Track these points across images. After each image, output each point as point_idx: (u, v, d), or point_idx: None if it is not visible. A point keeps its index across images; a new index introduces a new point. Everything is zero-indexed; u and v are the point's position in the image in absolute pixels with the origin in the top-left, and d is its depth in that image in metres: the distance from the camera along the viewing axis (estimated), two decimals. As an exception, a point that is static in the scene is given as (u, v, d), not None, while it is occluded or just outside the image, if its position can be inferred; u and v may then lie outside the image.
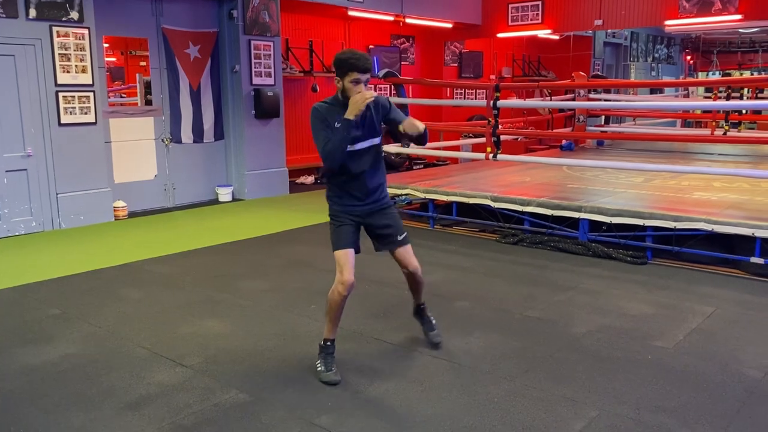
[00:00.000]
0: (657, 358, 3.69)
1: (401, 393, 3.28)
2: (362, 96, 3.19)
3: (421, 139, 3.42)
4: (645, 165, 7.42)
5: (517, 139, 11.36)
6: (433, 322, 3.90)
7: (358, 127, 3.30)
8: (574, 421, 2.99)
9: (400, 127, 3.34)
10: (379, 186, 3.52)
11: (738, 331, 4.09)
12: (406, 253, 3.59)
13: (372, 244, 3.64)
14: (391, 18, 11.57)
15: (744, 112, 11.91)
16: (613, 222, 5.86)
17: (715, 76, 18.93)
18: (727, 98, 10.40)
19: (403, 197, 7.89)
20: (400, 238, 3.55)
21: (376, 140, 3.45)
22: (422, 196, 7.29)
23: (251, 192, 9.31)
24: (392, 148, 8.63)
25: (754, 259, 5.22)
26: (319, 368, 3.44)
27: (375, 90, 3.46)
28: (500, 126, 7.48)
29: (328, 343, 3.47)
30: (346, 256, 3.37)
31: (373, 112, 3.38)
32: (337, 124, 3.23)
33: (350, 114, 3.20)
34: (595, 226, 6.08)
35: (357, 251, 3.48)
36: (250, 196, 9.30)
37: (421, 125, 3.30)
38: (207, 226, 7.61)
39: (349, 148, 3.29)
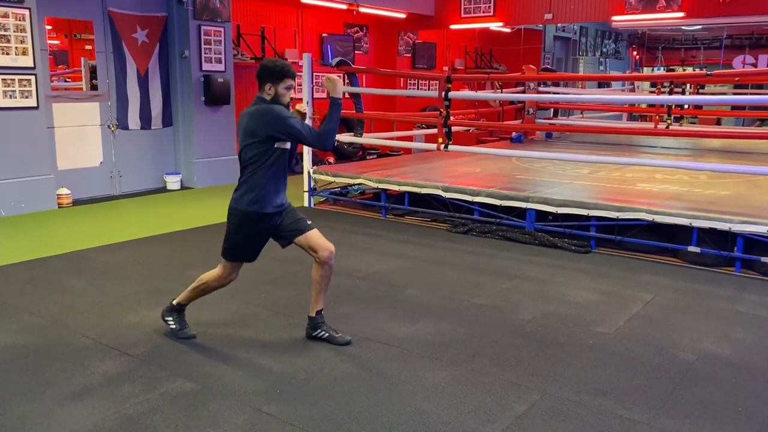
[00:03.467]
0: (598, 343, 3.82)
1: (350, 380, 3.31)
2: (336, 80, 3.55)
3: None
4: (591, 157, 7.63)
5: (468, 130, 11.48)
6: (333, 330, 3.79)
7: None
8: (517, 404, 3.08)
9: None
10: (285, 188, 3.67)
11: (675, 317, 4.27)
12: (317, 236, 3.65)
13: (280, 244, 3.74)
14: (344, 6, 11.51)
15: (686, 106, 12.31)
16: (558, 212, 6.01)
17: (660, 72, 19.52)
18: (670, 93, 10.75)
19: (356, 187, 7.90)
20: (309, 223, 3.65)
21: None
22: (375, 185, 7.32)
23: (200, 180, 9.17)
24: (345, 137, 8.62)
25: (691, 248, 5.43)
26: (173, 326, 3.80)
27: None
28: (452, 117, 7.55)
29: (183, 308, 3.83)
30: (238, 265, 3.68)
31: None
32: (336, 101, 3.53)
33: (338, 93, 3.51)
34: (541, 216, 6.23)
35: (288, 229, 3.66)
36: (200, 184, 9.16)
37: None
38: (155, 214, 7.47)
39: (282, 145, 3.49)
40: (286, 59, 11.15)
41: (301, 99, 7.76)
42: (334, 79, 3.55)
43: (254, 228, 3.53)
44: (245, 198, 3.49)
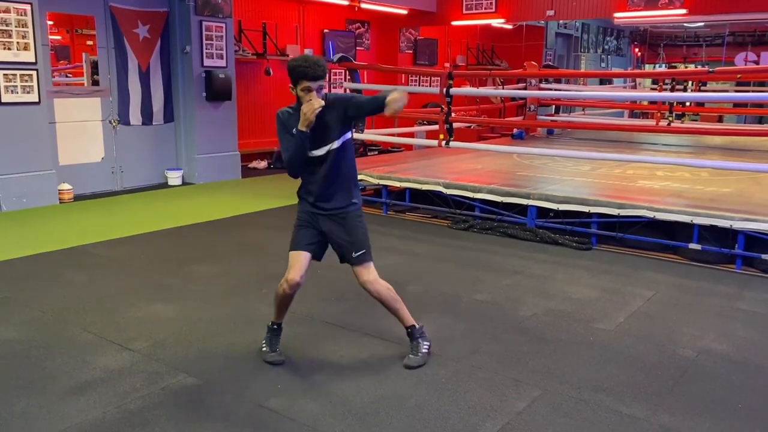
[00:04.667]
0: (598, 339, 3.82)
1: (350, 375, 3.32)
2: (310, 106, 3.06)
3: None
4: (592, 154, 7.62)
5: (469, 126, 11.48)
6: (423, 350, 3.47)
7: (316, 134, 3.19)
8: (517, 400, 3.08)
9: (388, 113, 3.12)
10: (337, 193, 3.33)
11: (675, 313, 4.27)
12: (361, 272, 3.41)
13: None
14: (346, 2, 11.50)
15: (688, 104, 12.30)
16: (560, 209, 6.01)
17: (662, 69, 19.50)
18: (672, 90, 10.74)
19: (357, 183, 7.90)
20: (355, 254, 3.37)
21: (341, 141, 3.26)
22: (376, 182, 7.31)
23: (202, 176, 9.17)
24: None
25: (692, 245, 5.43)
26: (264, 348, 3.49)
27: (329, 74, 3.40)
28: (453, 114, 7.55)
29: (275, 326, 3.51)
30: (297, 257, 3.33)
31: (327, 117, 3.20)
32: (294, 131, 3.15)
33: (301, 125, 3.11)
34: (542, 212, 6.23)
35: (315, 257, 3.41)
36: (201, 180, 9.16)
37: (397, 103, 3.10)
38: (156, 210, 7.48)
39: (314, 153, 3.23)
40: (287, 55, 11.17)
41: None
42: (302, 112, 3.10)
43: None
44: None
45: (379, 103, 3.13)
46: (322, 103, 3.10)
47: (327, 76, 3.24)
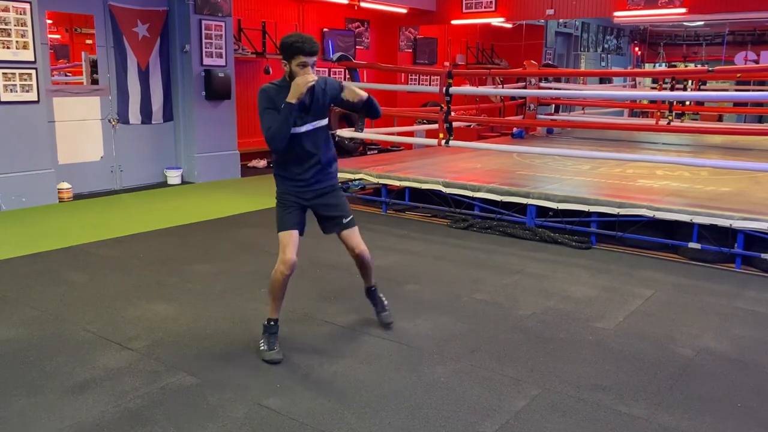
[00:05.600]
0: (598, 338, 3.82)
1: (350, 374, 3.32)
2: (304, 79, 3.21)
3: (370, 110, 3.49)
4: (592, 153, 7.61)
5: (469, 126, 11.47)
6: (385, 303, 3.96)
7: (304, 110, 3.34)
8: (516, 399, 3.08)
9: (342, 95, 3.37)
10: (326, 168, 3.55)
11: (674, 313, 4.27)
12: (353, 235, 3.65)
13: (319, 228, 3.67)
14: (345, 1, 11.50)
15: (688, 103, 12.30)
16: (559, 208, 6.01)
17: (661, 68, 19.49)
18: (672, 89, 10.74)
19: (357, 182, 7.91)
20: (345, 220, 3.61)
21: (323, 122, 3.47)
22: (375, 181, 7.31)
23: (201, 175, 9.16)
24: (346, 132, 8.62)
25: (692, 245, 5.43)
26: (262, 347, 3.49)
27: (329, 74, 3.49)
28: (453, 113, 7.54)
29: (272, 323, 3.52)
30: (289, 237, 3.45)
31: (320, 95, 3.41)
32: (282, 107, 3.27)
33: (292, 97, 3.23)
34: (542, 211, 6.22)
35: (301, 233, 3.54)
36: (200, 179, 9.15)
37: (362, 93, 3.34)
38: (155, 209, 7.47)
39: (295, 129, 3.33)
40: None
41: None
42: (295, 83, 3.23)
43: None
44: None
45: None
46: (316, 77, 3.26)
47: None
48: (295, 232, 3.47)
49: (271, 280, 3.48)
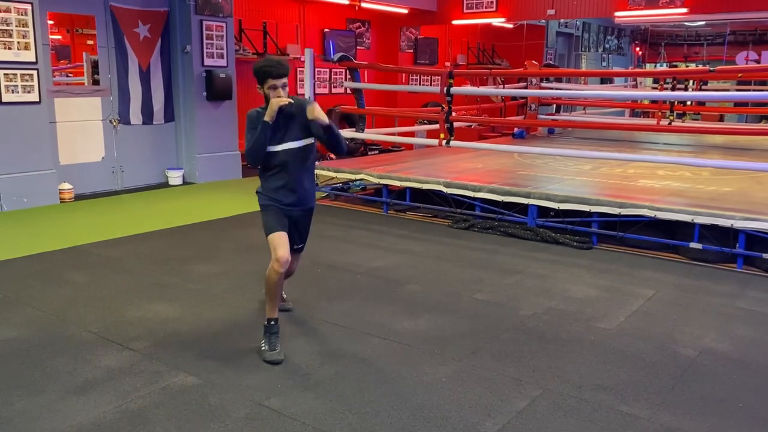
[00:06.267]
0: (599, 338, 3.82)
1: (351, 374, 3.32)
2: (277, 100, 3.40)
3: (331, 140, 3.55)
4: (593, 153, 7.60)
5: (470, 126, 11.47)
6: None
7: (278, 130, 3.48)
8: (518, 399, 3.08)
9: (308, 115, 3.44)
10: (310, 191, 3.70)
11: (676, 313, 4.27)
12: (297, 259, 3.84)
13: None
14: (346, 2, 11.50)
15: (689, 103, 12.29)
16: (560, 208, 6.00)
17: (663, 68, 19.48)
18: (673, 89, 10.73)
19: (358, 182, 7.91)
20: (299, 246, 3.79)
21: (300, 143, 3.55)
22: (376, 181, 7.31)
23: (202, 175, 9.17)
24: (347, 133, 8.62)
25: (693, 245, 5.43)
26: (263, 347, 3.50)
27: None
28: (454, 113, 7.54)
29: (272, 323, 3.55)
30: (279, 237, 3.53)
31: (296, 115, 3.50)
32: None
33: (267, 117, 3.42)
34: (543, 212, 6.22)
35: (288, 234, 3.62)
36: (202, 179, 9.16)
37: (323, 116, 3.41)
38: (157, 209, 7.48)
39: (272, 148, 3.49)
40: (288, 54, 11.18)
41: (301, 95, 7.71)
42: (270, 104, 3.41)
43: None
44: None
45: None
46: (290, 100, 3.44)
47: (289, 74, 3.52)
48: (284, 233, 3.56)
49: (266, 281, 3.54)
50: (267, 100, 3.47)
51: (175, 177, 9.03)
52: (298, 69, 11.51)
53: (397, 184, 7.16)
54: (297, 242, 3.74)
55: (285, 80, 3.46)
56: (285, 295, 4.07)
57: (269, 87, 3.44)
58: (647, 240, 5.70)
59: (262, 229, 3.62)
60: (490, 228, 6.34)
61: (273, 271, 3.49)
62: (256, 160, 3.52)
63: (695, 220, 5.34)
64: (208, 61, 9.05)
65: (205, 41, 8.97)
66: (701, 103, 12.82)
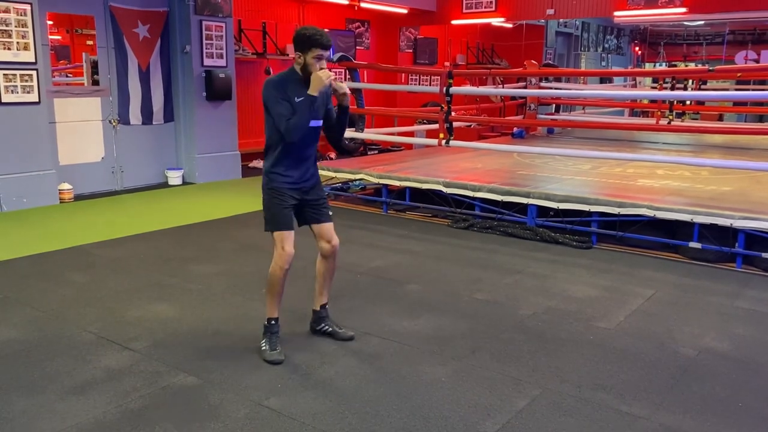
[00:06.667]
0: (599, 338, 3.82)
1: (350, 374, 3.32)
2: (326, 73, 3.25)
3: (342, 123, 3.55)
4: (592, 152, 7.61)
5: (470, 126, 11.47)
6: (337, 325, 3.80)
7: (314, 105, 3.34)
8: (517, 399, 3.08)
9: (338, 88, 3.36)
10: (314, 164, 3.60)
11: (675, 312, 4.27)
12: (331, 227, 3.62)
13: (298, 221, 3.62)
14: (345, 2, 11.50)
15: (688, 102, 12.29)
16: (560, 208, 6.01)
17: (662, 67, 19.48)
18: (672, 89, 10.73)
19: (357, 182, 7.91)
20: (330, 212, 3.63)
21: (320, 123, 3.50)
22: (376, 181, 7.31)
23: (202, 175, 9.17)
24: (346, 133, 8.61)
25: (692, 244, 5.43)
26: (264, 347, 3.47)
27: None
28: (453, 113, 7.54)
29: (273, 322, 3.51)
30: (288, 234, 3.43)
31: (326, 96, 3.45)
32: (297, 99, 3.27)
33: (314, 90, 3.26)
34: (542, 211, 6.22)
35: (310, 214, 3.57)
36: (201, 179, 9.16)
37: (347, 91, 3.40)
38: (156, 209, 7.48)
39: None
40: (287, 54, 11.17)
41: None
42: (317, 76, 3.26)
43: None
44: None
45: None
46: (341, 84, 3.34)
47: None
48: (291, 231, 3.46)
49: (269, 278, 3.46)
50: (304, 69, 3.31)
51: (174, 177, 9.03)
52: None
53: (397, 183, 7.16)
54: (321, 206, 3.56)
55: (329, 53, 3.32)
56: (341, 329, 3.77)
57: (315, 56, 3.26)
58: (647, 239, 5.71)
59: (265, 222, 3.47)
60: (490, 228, 6.34)
61: (277, 267, 3.40)
62: (299, 136, 3.29)
63: (695, 220, 5.34)
64: (207, 61, 9.05)
65: (204, 41, 8.97)
66: (700, 102, 12.81)
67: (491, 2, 12.13)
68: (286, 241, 3.41)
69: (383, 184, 7.27)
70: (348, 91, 3.40)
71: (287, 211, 3.46)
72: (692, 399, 3.11)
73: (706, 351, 3.66)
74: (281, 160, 3.43)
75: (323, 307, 3.77)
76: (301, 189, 3.49)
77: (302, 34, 3.30)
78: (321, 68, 3.27)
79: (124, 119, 8.55)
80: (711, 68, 8.12)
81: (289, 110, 3.28)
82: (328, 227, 3.59)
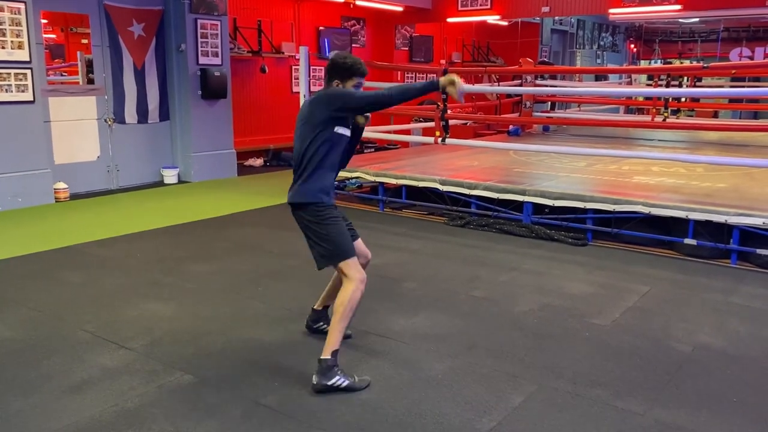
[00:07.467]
0: (594, 334, 3.84)
1: (347, 372, 3.31)
2: (460, 83, 3.12)
3: (356, 142, 3.49)
4: (588, 150, 7.63)
5: (466, 123, 11.48)
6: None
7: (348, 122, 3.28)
8: (513, 395, 3.09)
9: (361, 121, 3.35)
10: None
11: (670, 308, 4.29)
12: (361, 242, 3.52)
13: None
14: (341, -1, 11.50)
15: (683, 99, 12.31)
16: (555, 205, 6.02)
17: (657, 65, 19.51)
18: (667, 86, 10.74)
19: (354, 180, 7.91)
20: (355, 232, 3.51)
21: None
22: (372, 179, 7.31)
23: (198, 174, 9.16)
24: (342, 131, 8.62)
25: (687, 241, 5.45)
26: (344, 383, 3.09)
27: (326, 72, 3.40)
28: (449, 110, 7.55)
29: (337, 353, 3.16)
30: (356, 258, 3.23)
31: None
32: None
33: (454, 92, 3.13)
34: (538, 209, 6.24)
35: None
36: (197, 178, 9.15)
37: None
38: (152, 208, 7.47)
39: (343, 131, 3.24)
40: (283, 52, 11.16)
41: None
42: (458, 83, 3.11)
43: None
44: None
45: None
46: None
47: None
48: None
49: (350, 305, 3.12)
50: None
51: (170, 176, 9.02)
52: (293, 67, 11.51)
53: (393, 182, 7.16)
54: (352, 229, 3.44)
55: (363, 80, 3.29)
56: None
57: (355, 85, 3.24)
58: (642, 236, 5.72)
59: (329, 257, 3.18)
60: (486, 225, 6.35)
61: (358, 291, 3.12)
62: (396, 102, 3.17)
63: (690, 216, 5.36)
64: (202, 60, 9.04)
65: (199, 40, 8.96)
66: (695, 99, 12.83)
67: (486, 0, 12.14)
68: (357, 264, 3.21)
69: (380, 183, 7.28)
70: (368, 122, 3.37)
71: (344, 228, 3.26)
72: (687, 395, 3.13)
73: (701, 347, 3.68)
74: (324, 175, 3.22)
75: (326, 308, 3.74)
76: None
77: (343, 63, 3.23)
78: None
79: (119, 118, 8.53)
80: (706, 65, 8.13)
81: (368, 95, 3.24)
82: (360, 243, 3.49)
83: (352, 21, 13.21)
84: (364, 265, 3.38)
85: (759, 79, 13.76)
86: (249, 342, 3.64)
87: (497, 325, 3.97)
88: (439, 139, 7.41)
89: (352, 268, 3.17)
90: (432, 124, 7.98)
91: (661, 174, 7.10)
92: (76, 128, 8.12)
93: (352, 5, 11.74)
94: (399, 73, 13.91)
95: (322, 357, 3.10)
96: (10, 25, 7.00)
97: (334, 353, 3.12)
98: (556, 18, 16.23)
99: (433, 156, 8.62)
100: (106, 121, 8.40)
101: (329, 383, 3.07)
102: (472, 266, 5.20)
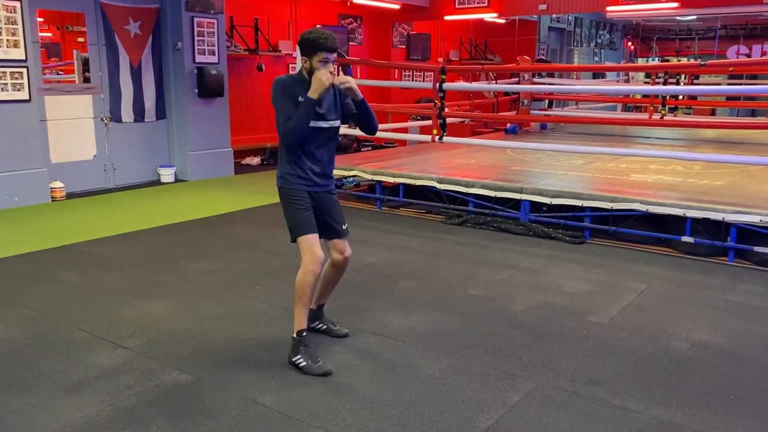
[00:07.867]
0: (592, 332, 3.84)
1: (344, 371, 3.32)
2: (326, 74, 3.16)
3: (364, 118, 3.45)
4: (585, 148, 7.63)
5: (463, 121, 11.47)
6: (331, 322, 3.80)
7: (322, 106, 3.27)
8: (511, 394, 3.09)
9: (336, 80, 3.22)
10: (331, 169, 3.50)
11: (668, 306, 4.29)
12: (347, 244, 3.55)
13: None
14: (338, -2, 11.48)
15: (681, 97, 12.33)
16: (553, 203, 6.02)
17: (654, 62, 19.53)
18: (665, 83, 10.76)
19: (351, 179, 7.90)
20: (345, 227, 3.53)
21: (337, 123, 3.39)
22: (370, 177, 7.31)
23: (195, 173, 9.14)
24: (340, 129, 8.61)
25: (685, 238, 5.45)
26: (303, 363, 3.26)
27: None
28: (446, 108, 7.54)
29: (304, 334, 3.33)
30: (313, 238, 3.29)
31: (338, 93, 3.36)
32: (300, 99, 3.20)
33: (313, 93, 3.15)
34: (535, 207, 6.23)
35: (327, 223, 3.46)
36: (194, 177, 9.13)
37: (356, 87, 3.27)
38: (149, 207, 7.45)
39: (314, 124, 3.25)
40: (279, 50, 11.14)
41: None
42: (317, 77, 3.16)
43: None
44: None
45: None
46: (340, 78, 3.21)
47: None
48: (316, 234, 3.31)
49: (300, 286, 3.25)
50: (310, 72, 3.21)
51: (167, 174, 9.00)
52: (290, 65, 11.50)
53: (391, 180, 7.16)
54: (339, 222, 3.47)
55: (335, 55, 3.21)
56: (335, 326, 3.77)
57: (321, 60, 3.17)
58: (639, 234, 5.72)
59: (288, 229, 3.35)
60: (483, 223, 6.35)
61: (309, 273, 3.21)
62: (297, 139, 3.22)
63: (687, 214, 5.36)
64: (199, 58, 9.02)
65: (196, 38, 8.94)
66: (693, 97, 12.84)
67: (484, -2, 12.13)
68: (314, 244, 3.26)
69: (377, 181, 7.27)
70: (350, 84, 3.23)
71: (306, 211, 3.33)
72: (685, 392, 3.13)
73: (699, 344, 3.68)
74: (294, 160, 3.33)
75: (320, 307, 3.75)
76: (312, 193, 3.37)
77: (306, 38, 3.21)
78: (328, 71, 3.18)
79: (115, 117, 8.51)
80: (703, 63, 8.14)
81: (292, 112, 3.19)
82: (342, 244, 3.52)
83: (350, 19, 13.19)
84: (340, 261, 3.53)
85: (756, 77, 13.77)
86: (246, 341, 3.63)
87: (495, 323, 3.97)
88: (437, 137, 7.41)
89: (304, 248, 3.28)
90: (429, 122, 7.97)
91: (659, 172, 7.11)
92: (73, 127, 8.10)
93: (349, 3, 11.73)
94: (396, 71, 13.90)
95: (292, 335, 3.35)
96: (5, 24, 6.98)
97: (299, 332, 3.32)
98: (554, 16, 16.22)
99: (430, 154, 8.61)
100: (102, 119, 8.38)
101: (293, 359, 3.31)
102: (469, 264, 5.19)
